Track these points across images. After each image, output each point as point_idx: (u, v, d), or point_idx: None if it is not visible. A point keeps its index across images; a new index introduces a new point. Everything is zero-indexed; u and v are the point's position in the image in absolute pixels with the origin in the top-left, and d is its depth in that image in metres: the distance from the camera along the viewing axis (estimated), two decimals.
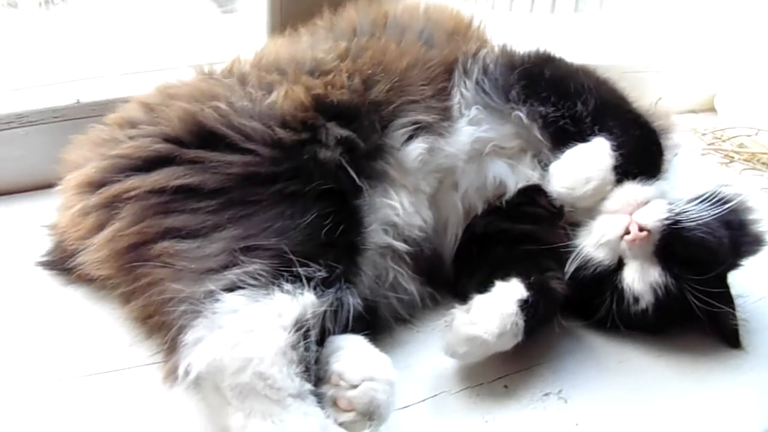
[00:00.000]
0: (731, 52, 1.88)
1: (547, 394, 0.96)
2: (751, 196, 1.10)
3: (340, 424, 0.81)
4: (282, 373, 0.79)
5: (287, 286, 0.83)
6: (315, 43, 1.12)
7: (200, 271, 0.87)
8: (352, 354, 0.86)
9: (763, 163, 1.65)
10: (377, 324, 0.99)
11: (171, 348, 0.85)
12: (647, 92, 1.81)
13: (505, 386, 0.96)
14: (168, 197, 0.92)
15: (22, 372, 0.94)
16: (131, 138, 1.00)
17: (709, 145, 1.71)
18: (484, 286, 0.97)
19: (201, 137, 0.96)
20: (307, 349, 0.82)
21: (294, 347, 0.81)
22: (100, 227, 0.96)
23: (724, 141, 1.71)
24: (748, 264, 1.08)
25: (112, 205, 0.95)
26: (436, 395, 0.94)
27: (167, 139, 0.97)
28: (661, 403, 0.97)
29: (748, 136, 1.71)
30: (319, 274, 0.85)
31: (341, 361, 0.85)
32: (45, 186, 1.19)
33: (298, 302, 0.83)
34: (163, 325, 0.89)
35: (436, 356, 0.96)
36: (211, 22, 1.58)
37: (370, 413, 0.82)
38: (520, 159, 1.09)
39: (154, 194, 0.93)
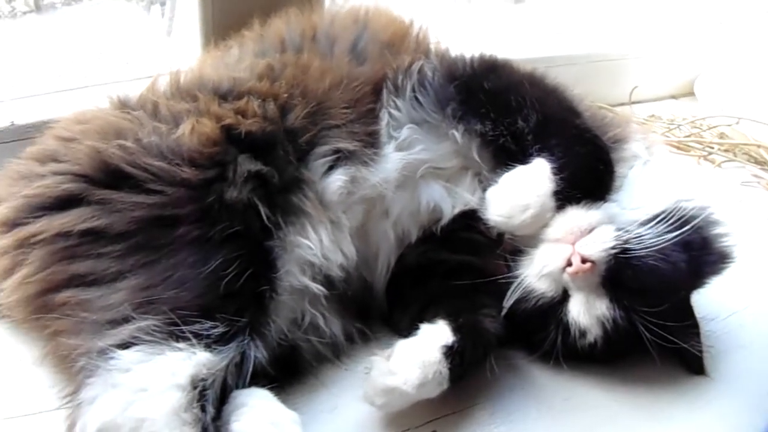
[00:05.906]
0: (713, 31, 1.64)
1: None
2: (718, 206, 0.93)
3: None
4: None
5: (180, 344, 0.72)
6: (237, 60, 0.96)
7: (101, 323, 0.75)
8: (254, 413, 0.74)
9: (744, 154, 1.43)
10: (300, 365, 0.87)
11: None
12: (627, 80, 1.64)
13: (434, 431, 0.82)
14: (75, 241, 0.80)
15: None
16: (53, 173, 0.87)
17: (686, 137, 1.48)
18: (415, 324, 0.83)
19: (109, 176, 0.83)
20: (203, 409, 0.71)
21: (189, 408, 0.70)
22: (11, 270, 0.84)
23: (703, 131, 1.49)
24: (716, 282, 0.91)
25: (22, 248, 0.83)
26: None
27: (78, 177, 0.84)
28: None
29: (729, 125, 1.47)
30: (214, 330, 0.73)
31: (241, 421, 0.73)
32: None
33: (192, 361, 0.71)
34: (66, 378, 0.78)
35: None
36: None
37: None
38: (459, 180, 0.93)
39: (61, 238, 0.81)
